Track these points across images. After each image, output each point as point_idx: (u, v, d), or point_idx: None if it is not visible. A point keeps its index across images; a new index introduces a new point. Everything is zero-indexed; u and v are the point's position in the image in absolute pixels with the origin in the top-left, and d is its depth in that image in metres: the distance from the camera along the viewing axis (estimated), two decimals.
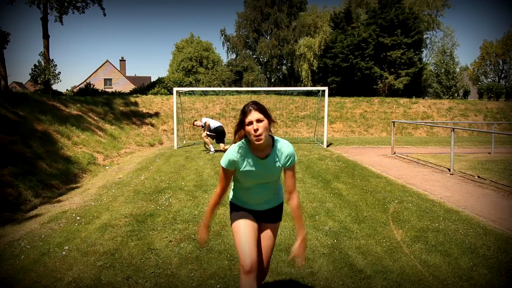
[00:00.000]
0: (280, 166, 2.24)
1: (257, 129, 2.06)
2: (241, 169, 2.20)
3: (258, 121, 2.08)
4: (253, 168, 2.20)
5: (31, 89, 28.00)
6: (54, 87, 20.84)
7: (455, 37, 59.45)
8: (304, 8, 37.69)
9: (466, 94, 31.59)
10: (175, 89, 13.27)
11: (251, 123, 2.08)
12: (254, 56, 39.25)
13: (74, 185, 7.12)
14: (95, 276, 3.20)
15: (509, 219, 4.78)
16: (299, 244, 2.23)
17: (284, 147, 2.24)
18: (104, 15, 21.89)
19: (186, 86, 22.19)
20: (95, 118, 13.36)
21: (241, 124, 2.14)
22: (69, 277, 3.18)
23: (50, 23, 24.00)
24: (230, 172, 2.23)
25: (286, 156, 2.23)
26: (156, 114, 16.81)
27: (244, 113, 2.11)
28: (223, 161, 2.19)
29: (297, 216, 2.29)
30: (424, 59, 31.71)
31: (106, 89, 28.11)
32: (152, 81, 25.26)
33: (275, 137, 2.26)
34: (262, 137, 2.08)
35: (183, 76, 27.07)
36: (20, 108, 9.58)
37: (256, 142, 2.08)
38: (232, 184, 2.38)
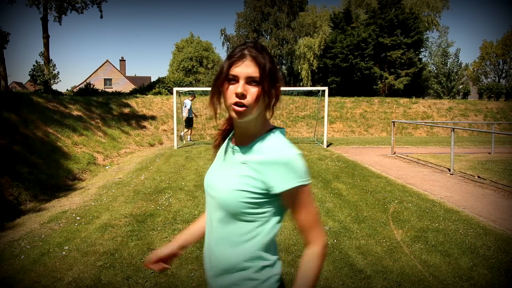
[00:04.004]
0: (252, 178, 1.11)
1: (243, 94, 1.08)
2: None
3: (250, 80, 1.09)
4: (217, 160, 1.29)
5: (31, 89, 28.01)
6: (54, 87, 20.88)
7: (448, 34, 59.36)
8: (304, 8, 37.71)
9: (466, 94, 31.60)
10: (175, 89, 13.27)
11: (235, 79, 1.10)
12: None
13: (74, 185, 7.12)
14: (95, 276, 3.20)
15: (509, 219, 4.78)
16: None
17: (278, 145, 1.13)
18: (101, 17, 22.02)
19: (186, 86, 22.19)
20: (95, 118, 13.36)
21: (217, 80, 1.14)
22: (69, 277, 3.18)
23: (50, 23, 24.07)
24: None
25: (270, 163, 1.10)
26: (156, 114, 16.81)
27: (231, 57, 1.11)
28: None
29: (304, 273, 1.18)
30: (423, 59, 31.74)
31: (106, 89, 28.11)
32: (152, 81, 25.27)
33: (276, 129, 1.20)
34: (247, 112, 1.09)
35: (183, 76, 27.07)
36: (20, 108, 9.58)
37: (234, 115, 1.10)
38: None
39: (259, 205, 1.12)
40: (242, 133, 1.19)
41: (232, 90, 1.09)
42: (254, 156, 1.13)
